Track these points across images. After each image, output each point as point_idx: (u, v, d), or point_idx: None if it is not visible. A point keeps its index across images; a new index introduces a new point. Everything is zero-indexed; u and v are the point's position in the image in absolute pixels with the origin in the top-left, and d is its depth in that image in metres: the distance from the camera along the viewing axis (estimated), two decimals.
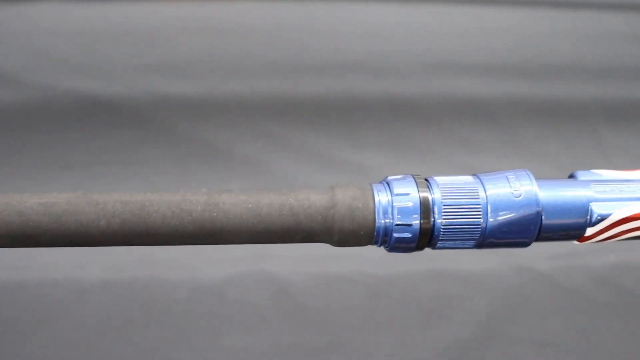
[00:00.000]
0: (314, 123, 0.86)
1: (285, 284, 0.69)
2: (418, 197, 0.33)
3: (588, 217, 0.34)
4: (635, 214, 0.34)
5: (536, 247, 0.75)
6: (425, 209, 0.32)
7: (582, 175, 0.35)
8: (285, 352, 0.66)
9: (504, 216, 0.33)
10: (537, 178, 0.35)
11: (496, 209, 0.33)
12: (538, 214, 0.33)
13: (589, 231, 0.34)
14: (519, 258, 0.76)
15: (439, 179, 0.34)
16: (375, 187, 0.33)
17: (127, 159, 0.82)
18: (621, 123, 0.93)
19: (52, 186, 0.76)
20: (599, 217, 0.34)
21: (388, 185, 0.33)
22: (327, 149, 0.85)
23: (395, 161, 0.87)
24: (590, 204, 0.34)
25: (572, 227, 0.34)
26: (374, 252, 0.71)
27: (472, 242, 0.33)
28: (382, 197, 0.32)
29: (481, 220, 0.32)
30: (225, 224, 0.31)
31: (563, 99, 0.93)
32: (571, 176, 0.36)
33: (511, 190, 0.33)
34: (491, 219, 0.32)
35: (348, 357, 0.66)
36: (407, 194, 0.33)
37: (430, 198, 0.33)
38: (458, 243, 0.33)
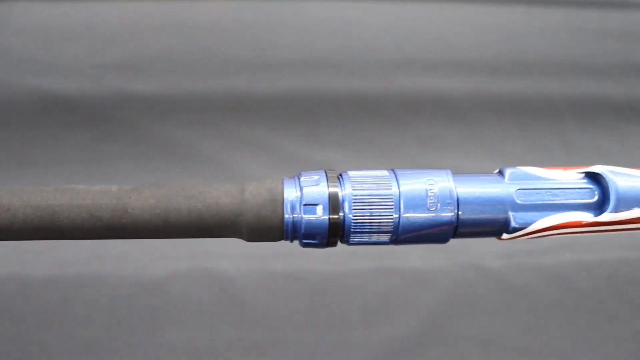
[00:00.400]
0: (276, 120, 0.86)
1: (228, 281, 0.69)
2: (327, 192, 0.32)
3: (506, 224, 0.33)
4: (556, 225, 0.34)
5: (487, 244, 0.75)
6: (334, 204, 0.32)
7: (510, 174, 0.34)
8: (225, 348, 0.66)
9: (417, 213, 0.32)
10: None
11: (409, 205, 0.32)
12: (453, 213, 0.32)
13: (506, 235, 0.34)
14: (469, 256, 0.75)
15: (352, 173, 0.34)
16: (287, 183, 0.33)
17: (87, 157, 0.82)
18: (587, 120, 0.92)
19: (12, 184, 0.77)
20: (516, 227, 0.33)
21: (299, 180, 0.33)
22: (289, 146, 0.85)
23: (357, 159, 0.86)
24: (510, 212, 0.33)
25: (490, 230, 0.34)
26: (321, 249, 0.71)
27: (387, 238, 0.33)
28: (291, 194, 0.32)
29: (393, 216, 0.32)
30: (135, 228, 0.31)
31: (529, 96, 0.93)
32: (500, 172, 0.35)
33: (426, 187, 0.33)
34: (405, 215, 0.32)
35: (288, 354, 0.66)
36: (316, 190, 0.33)
37: (340, 193, 0.32)
38: (371, 238, 0.33)
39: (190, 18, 0.89)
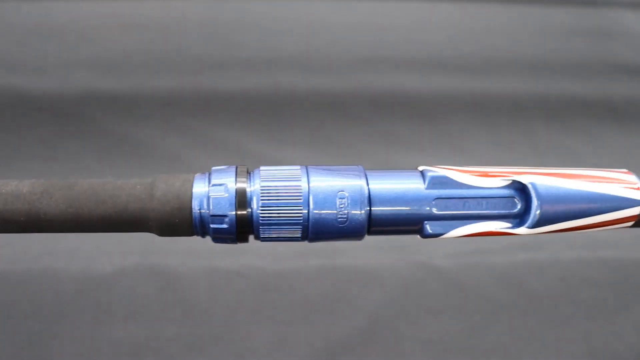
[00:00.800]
0: (239, 119, 0.87)
1: (173, 277, 0.70)
2: (234, 188, 0.33)
3: (421, 228, 0.33)
4: (472, 234, 0.34)
5: (438, 243, 0.74)
6: (241, 200, 0.32)
7: (430, 179, 0.33)
8: (166, 343, 0.66)
9: (326, 210, 0.32)
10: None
11: (318, 203, 0.32)
12: (364, 212, 0.32)
13: (420, 237, 0.34)
14: (420, 254, 0.74)
15: (263, 169, 0.34)
16: (197, 182, 0.33)
17: (49, 153, 0.83)
18: (555, 119, 0.91)
19: None
20: (431, 233, 0.33)
21: (209, 178, 0.34)
22: (248, 144, 0.85)
23: (316, 157, 0.86)
24: (425, 222, 0.33)
25: (405, 230, 0.34)
26: (268, 246, 0.71)
27: (297, 235, 0.33)
28: (200, 189, 0.32)
29: (302, 212, 0.32)
30: (49, 228, 0.32)
31: (498, 95, 0.91)
32: (422, 173, 0.34)
33: (336, 184, 0.33)
34: (314, 212, 0.32)
35: (228, 350, 0.66)
36: (223, 185, 0.33)
37: (248, 189, 0.33)
38: (283, 235, 0.33)
39: (156, 17, 0.89)
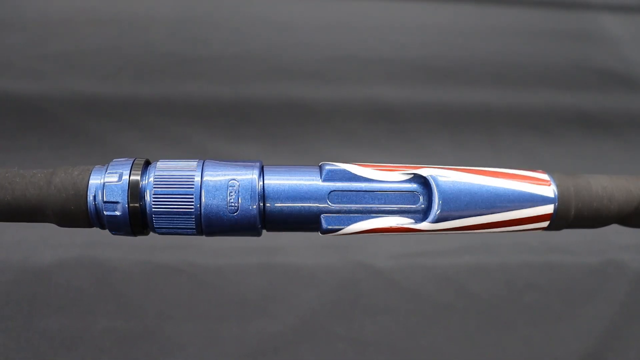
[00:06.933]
0: (199, 115, 0.86)
1: (111, 270, 0.70)
2: (128, 180, 0.33)
3: (319, 224, 0.33)
4: (371, 229, 0.33)
5: (382, 244, 0.73)
6: (134, 192, 0.32)
7: (327, 173, 0.33)
8: (98, 336, 0.66)
9: (217, 204, 0.32)
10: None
11: (209, 197, 0.32)
12: (255, 206, 0.32)
13: (320, 234, 0.34)
14: (362, 255, 0.73)
15: (161, 162, 0.34)
16: (95, 172, 0.33)
17: (6, 145, 0.83)
18: (519, 124, 0.89)
19: None
20: (328, 228, 0.33)
21: (106, 170, 0.34)
22: (204, 140, 0.85)
23: (272, 154, 0.86)
24: (322, 215, 0.33)
25: (303, 226, 0.34)
26: (210, 243, 0.71)
27: (192, 226, 0.33)
28: (96, 180, 0.33)
29: (193, 202, 0.32)
30: None
31: (465, 96, 0.90)
32: (320, 168, 0.34)
33: (228, 179, 0.33)
34: (206, 206, 0.32)
35: (159, 345, 0.66)
36: (118, 178, 0.33)
37: (142, 181, 0.33)
38: (177, 229, 0.33)
39: (124, 12, 0.89)
